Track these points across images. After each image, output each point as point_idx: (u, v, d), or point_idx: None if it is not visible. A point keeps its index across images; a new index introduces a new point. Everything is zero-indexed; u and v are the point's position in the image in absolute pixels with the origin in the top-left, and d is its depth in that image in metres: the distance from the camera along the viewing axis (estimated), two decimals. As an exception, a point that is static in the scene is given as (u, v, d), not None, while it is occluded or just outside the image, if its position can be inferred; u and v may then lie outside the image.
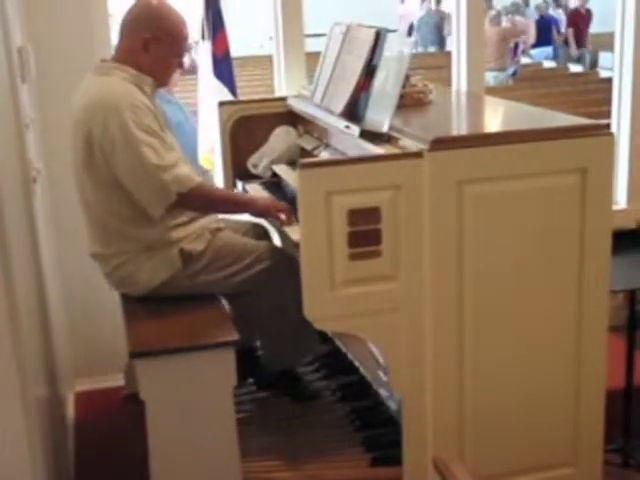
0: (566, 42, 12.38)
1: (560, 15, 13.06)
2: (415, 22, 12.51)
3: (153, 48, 2.68)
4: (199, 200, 2.66)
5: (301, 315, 2.84)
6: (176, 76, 3.43)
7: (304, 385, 3.13)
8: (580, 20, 12.41)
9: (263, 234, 3.11)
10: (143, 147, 2.53)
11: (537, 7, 12.86)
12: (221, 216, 2.93)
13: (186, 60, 2.91)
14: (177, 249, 2.67)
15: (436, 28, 12.22)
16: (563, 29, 12.54)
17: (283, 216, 2.69)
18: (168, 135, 2.69)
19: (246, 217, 2.98)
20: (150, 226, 2.64)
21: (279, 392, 3.07)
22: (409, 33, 12.00)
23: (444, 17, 12.01)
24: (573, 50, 12.19)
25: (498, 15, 10.27)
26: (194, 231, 2.72)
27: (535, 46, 12.24)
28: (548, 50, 12.35)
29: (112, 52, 3.34)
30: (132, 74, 2.67)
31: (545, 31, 12.28)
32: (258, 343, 3.10)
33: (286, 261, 2.77)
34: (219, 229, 2.82)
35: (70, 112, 2.70)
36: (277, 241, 3.28)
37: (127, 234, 2.66)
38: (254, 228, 3.08)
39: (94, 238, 2.74)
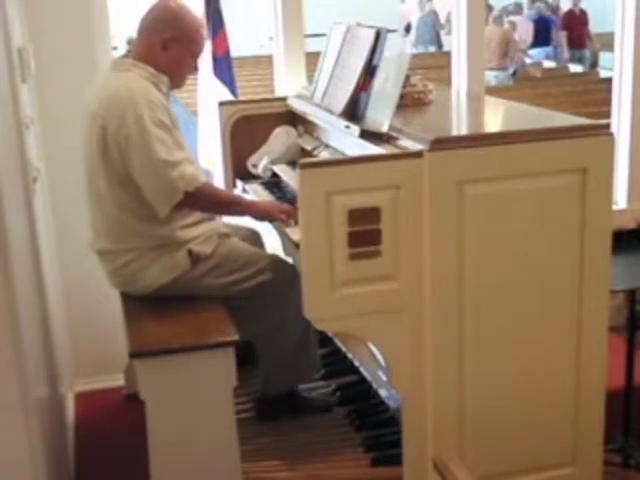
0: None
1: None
2: (413, 21, 12.53)
3: (171, 49, 2.70)
4: (205, 200, 2.66)
5: (302, 332, 2.84)
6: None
7: (309, 400, 3.07)
8: (575, 21, 12.38)
9: (258, 241, 3.10)
10: (155, 141, 2.53)
11: (537, 8, 12.85)
12: (224, 220, 2.93)
13: (200, 62, 2.91)
14: (186, 250, 2.67)
15: (434, 27, 12.28)
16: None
17: (285, 217, 2.69)
18: (179, 134, 2.69)
19: (247, 221, 2.98)
20: (161, 224, 2.64)
21: (284, 416, 2.98)
22: (406, 32, 12.04)
23: (437, 15, 12.10)
24: (565, 53, 12.16)
25: (501, 16, 10.30)
26: (203, 233, 2.72)
27: (534, 46, 12.23)
28: (548, 50, 12.34)
29: (111, 52, 3.37)
30: (151, 73, 2.68)
31: (544, 31, 12.27)
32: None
33: (290, 276, 2.76)
34: (227, 235, 2.81)
35: (79, 108, 2.71)
36: (277, 242, 3.28)
37: (139, 230, 2.65)
38: (252, 235, 3.08)
39: (104, 234, 2.71)
